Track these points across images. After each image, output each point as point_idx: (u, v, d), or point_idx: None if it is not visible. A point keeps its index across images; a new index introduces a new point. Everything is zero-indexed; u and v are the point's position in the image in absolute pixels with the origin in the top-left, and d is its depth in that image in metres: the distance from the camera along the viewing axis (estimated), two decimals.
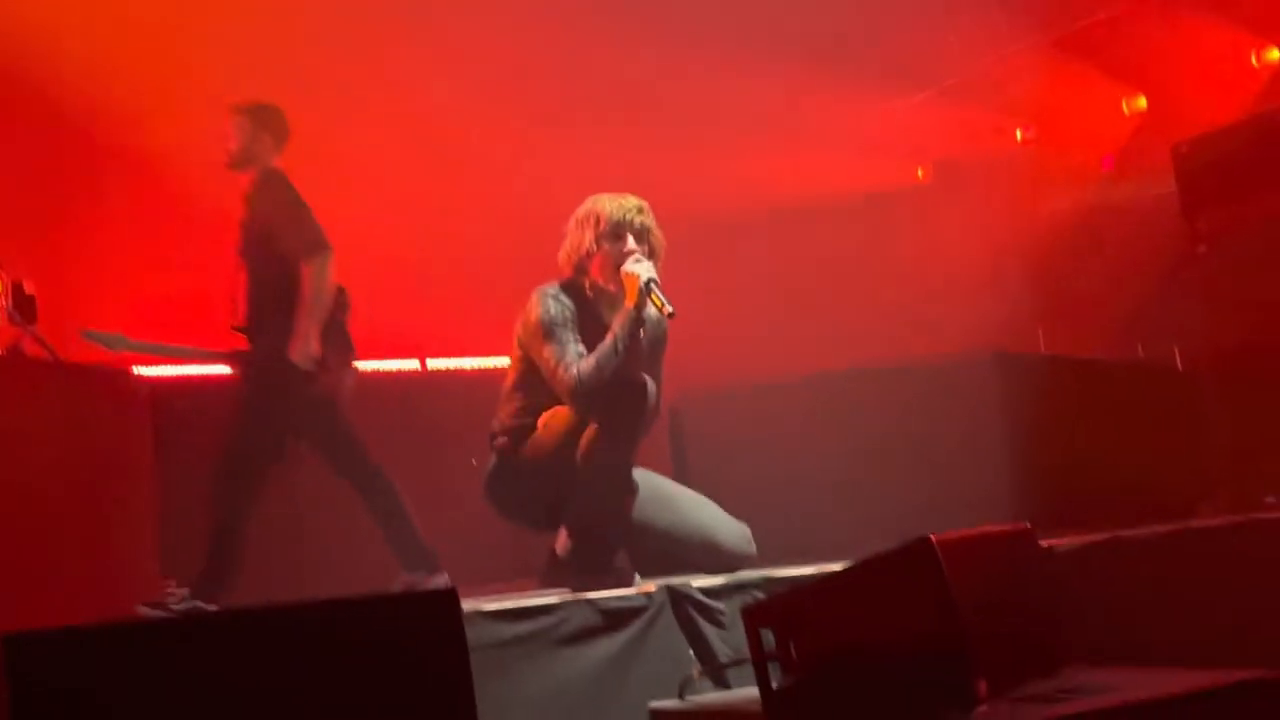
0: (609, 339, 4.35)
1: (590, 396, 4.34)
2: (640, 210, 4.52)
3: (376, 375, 7.08)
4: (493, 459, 4.64)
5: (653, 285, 4.32)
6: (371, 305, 7.28)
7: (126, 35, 6.57)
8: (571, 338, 4.42)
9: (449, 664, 2.47)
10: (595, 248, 4.48)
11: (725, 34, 7.46)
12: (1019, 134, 8.72)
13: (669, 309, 4.26)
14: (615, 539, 4.50)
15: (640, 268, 4.36)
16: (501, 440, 4.62)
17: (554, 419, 4.47)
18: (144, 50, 6.60)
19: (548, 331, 4.45)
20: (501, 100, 7.36)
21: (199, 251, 6.80)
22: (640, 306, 4.34)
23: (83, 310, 6.44)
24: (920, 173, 9.21)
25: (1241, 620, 4.17)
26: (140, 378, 6.28)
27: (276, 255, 5.19)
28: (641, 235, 4.50)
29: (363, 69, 7.04)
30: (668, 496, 4.68)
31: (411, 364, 7.38)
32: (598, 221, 4.48)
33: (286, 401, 5.14)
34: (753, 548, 4.60)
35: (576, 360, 4.37)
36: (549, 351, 4.43)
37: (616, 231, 4.46)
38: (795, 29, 7.47)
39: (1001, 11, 7.84)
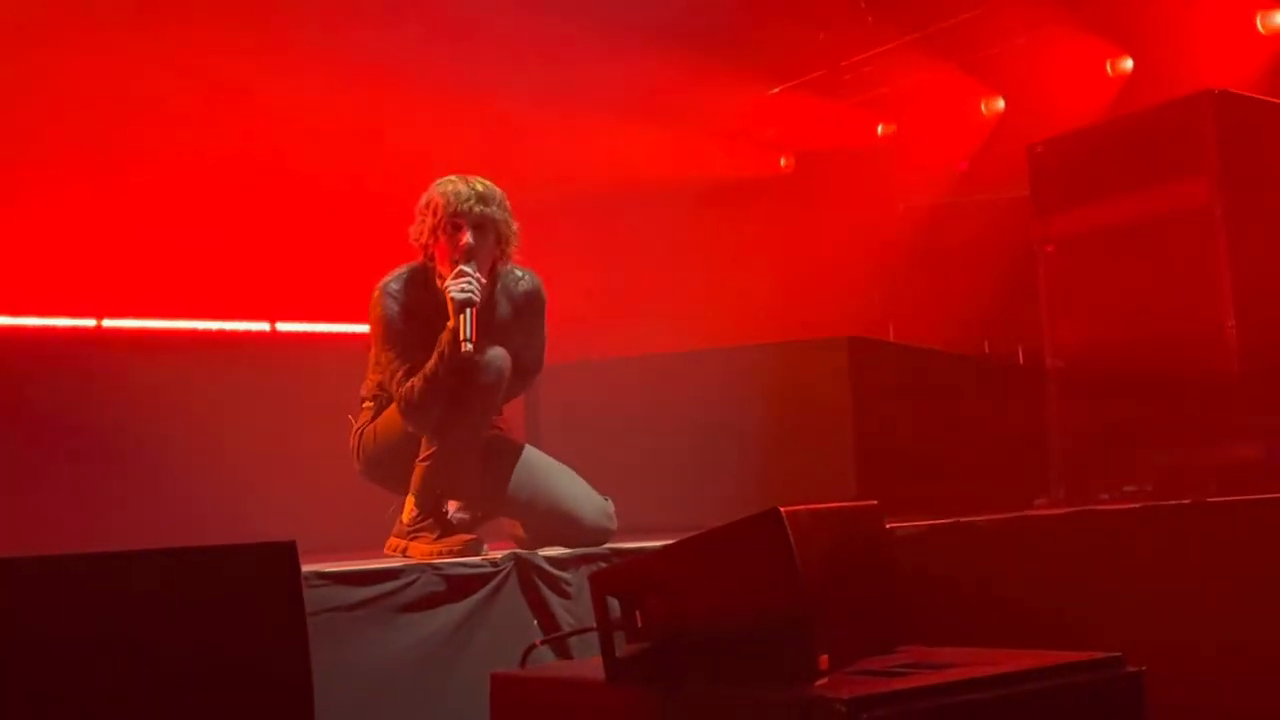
0: (431, 362, 4.26)
1: (420, 413, 4.31)
2: (480, 199, 4.34)
3: (226, 335, 6.97)
4: (360, 420, 4.58)
5: (465, 312, 4.20)
6: (224, 267, 7.22)
7: None
8: (408, 341, 4.35)
9: (284, 618, 2.42)
10: (433, 238, 4.38)
11: (598, 13, 7.43)
12: (880, 129, 8.86)
13: (468, 345, 4.16)
14: (473, 507, 4.50)
15: (457, 291, 4.24)
16: (367, 405, 4.59)
17: None
18: None
19: (384, 336, 4.40)
20: (368, 72, 7.24)
21: (56, 198, 6.61)
22: (468, 336, 4.20)
23: None
24: (783, 161, 9.31)
25: (1071, 606, 4.28)
26: None
27: None
28: (482, 226, 4.34)
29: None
30: (533, 468, 4.63)
31: (262, 326, 7.27)
32: (435, 210, 4.36)
33: None
34: (614, 523, 4.57)
35: (413, 372, 4.31)
36: (384, 358, 4.40)
37: (454, 222, 4.33)
38: (667, 14, 7.48)
39: (870, 9, 7.94)
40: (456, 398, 4.26)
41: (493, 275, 4.46)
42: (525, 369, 4.65)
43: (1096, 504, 5.30)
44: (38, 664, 2.23)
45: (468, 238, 4.31)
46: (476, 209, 4.32)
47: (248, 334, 7.18)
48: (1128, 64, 7.84)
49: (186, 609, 2.37)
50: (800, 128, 8.92)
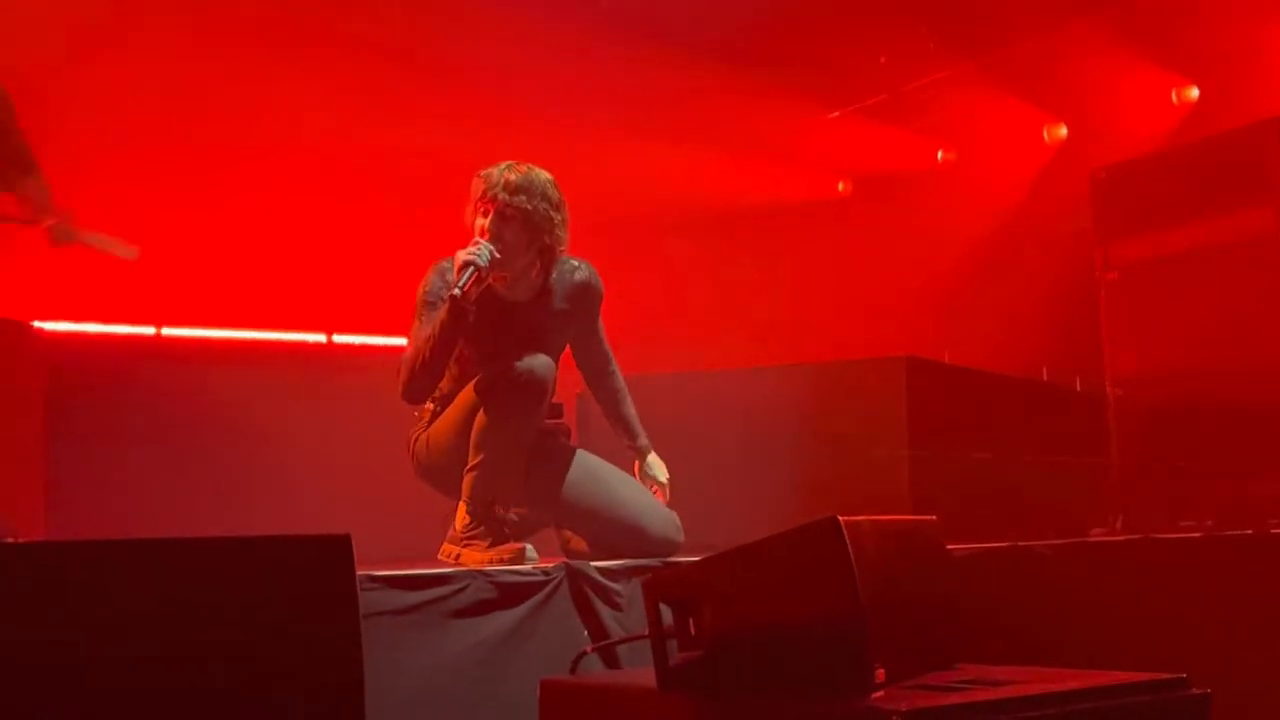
0: (429, 325, 4.25)
1: (410, 381, 4.32)
2: (510, 187, 4.30)
3: (283, 346, 7.02)
4: (417, 425, 4.58)
5: (468, 269, 4.16)
6: (281, 278, 7.28)
7: None
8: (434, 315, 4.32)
9: (338, 610, 2.40)
10: (471, 223, 4.40)
11: (658, 37, 7.45)
12: (940, 154, 8.82)
13: (456, 290, 4.12)
14: (531, 517, 4.52)
15: (464, 252, 4.21)
16: (427, 407, 4.58)
17: (463, 397, 4.40)
18: None
19: (420, 305, 4.40)
20: (426, 90, 7.28)
21: (117, 209, 6.68)
22: (463, 291, 4.15)
23: None
24: (841, 186, 9.28)
25: (1130, 634, 4.21)
26: (39, 331, 6.15)
27: None
28: (506, 214, 4.30)
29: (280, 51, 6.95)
30: (599, 478, 4.60)
31: (318, 337, 7.31)
32: (472, 193, 4.38)
33: None
34: (680, 535, 4.53)
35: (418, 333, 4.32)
36: (413, 326, 4.40)
37: (483, 206, 4.34)
38: (728, 38, 7.49)
39: (931, 34, 7.91)
40: (498, 408, 4.25)
41: (546, 267, 4.45)
42: (597, 366, 4.70)
43: (1155, 533, 5.23)
44: (92, 647, 2.23)
45: (485, 222, 4.30)
46: (502, 196, 4.29)
47: (304, 344, 7.22)
48: (1193, 93, 7.76)
49: (240, 598, 2.36)
50: (860, 152, 8.89)
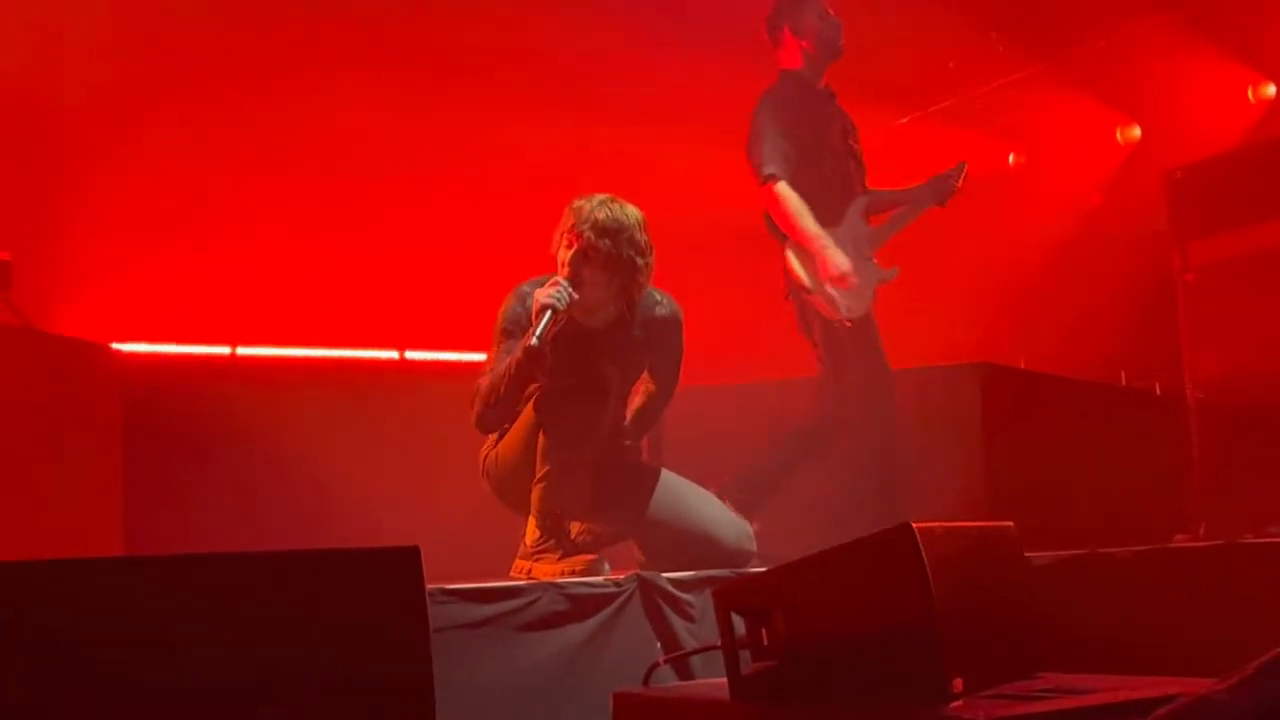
0: (505, 362, 4.26)
1: (484, 413, 4.34)
2: (600, 229, 4.26)
3: (356, 364, 7.06)
4: (488, 441, 4.58)
5: (546, 314, 4.14)
6: (353, 295, 7.32)
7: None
8: (513, 342, 4.31)
9: (408, 622, 2.40)
10: (555, 250, 4.38)
11: (724, 47, 7.42)
12: (1011, 158, 8.72)
13: (534, 339, 4.10)
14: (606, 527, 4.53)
15: (543, 294, 4.19)
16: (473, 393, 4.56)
17: (528, 412, 4.39)
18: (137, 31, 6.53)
19: (498, 328, 4.41)
20: (499, 105, 7.30)
21: (192, 230, 6.76)
22: (539, 333, 4.13)
23: (62, 280, 6.39)
24: None
25: (1214, 642, 4.12)
26: (115, 352, 6.22)
27: None
28: (591, 256, 4.27)
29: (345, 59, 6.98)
30: (671, 490, 4.59)
31: (391, 354, 7.34)
32: (562, 224, 4.35)
33: None
34: (753, 545, 4.52)
35: (496, 366, 4.32)
36: (490, 354, 4.40)
37: (568, 241, 4.31)
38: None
39: (1000, 38, 7.83)
40: (563, 420, 4.23)
41: (627, 301, 4.42)
42: (657, 392, 4.64)
43: (1238, 539, 5.12)
44: (165, 660, 2.24)
45: (567, 255, 4.29)
46: (589, 235, 4.27)
47: (377, 361, 7.25)
48: (1270, 89, 7.61)
49: (312, 611, 2.36)
50: (930, 158, 8.79)
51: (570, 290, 4.21)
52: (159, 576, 2.31)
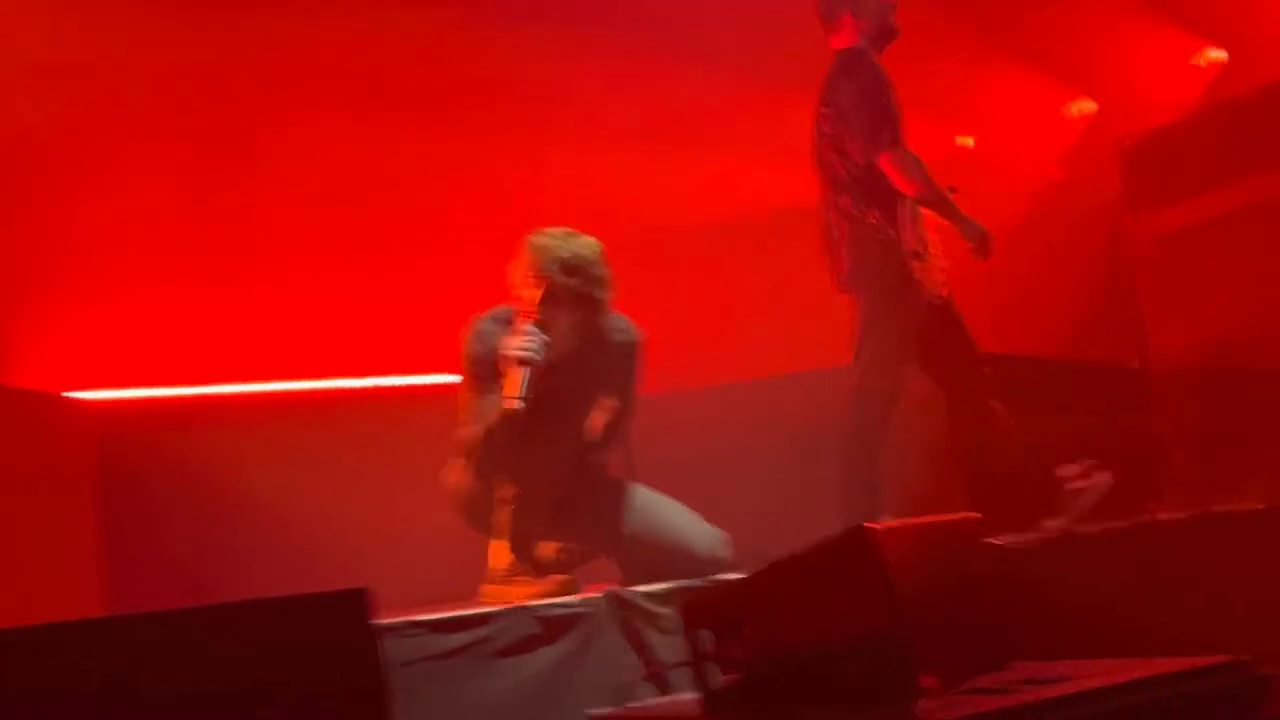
0: (486, 422, 4.23)
1: (473, 461, 4.31)
2: (565, 268, 4.24)
3: (327, 393, 7.01)
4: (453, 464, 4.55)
5: (524, 371, 4.11)
6: (315, 325, 7.26)
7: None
8: (488, 385, 4.27)
9: (360, 664, 2.37)
10: (516, 283, 4.33)
11: (682, 47, 7.39)
12: (957, 140, 8.69)
13: (517, 402, 4.08)
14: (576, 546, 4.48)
15: (514, 349, 4.15)
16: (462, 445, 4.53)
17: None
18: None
19: (468, 372, 4.36)
20: (455, 117, 7.26)
21: (158, 273, 6.69)
22: (523, 394, 4.10)
23: (12, 330, 6.31)
24: None
25: (1191, 613, 4.11)
26: (80, 402, 6.17)
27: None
28: (557, 295, 4.25)
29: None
30: (642, 504, 4.57)
31: (358, 382, 7.29)
32: (522, 261, 4.31)
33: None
34: (728, 552, 4.48)
35: (480, 417, 4.27)
36: (463, 397, 4.37)
37: (533, 281, 4.27)
38: (730, 35, 7.41)
39: (942, 20, 7.80)
40: (525, 443, 4.20)
41: (595, 332, 4.40)
42: (620, 408, 4.62)
43: (1213, 508, 5.11)
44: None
45: (535, 296, 4.24)
46: (558, 278, 4.24)
47: (343, 391, 7.20)
48: (1219, 54, 7.60)
49: (261, 661, 2.33)
50: None
51: (542, 337, 4.19)
52: (105, 638, 2.28)
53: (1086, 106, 8.25)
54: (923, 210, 5.14)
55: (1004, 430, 5.07)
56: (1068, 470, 4.98)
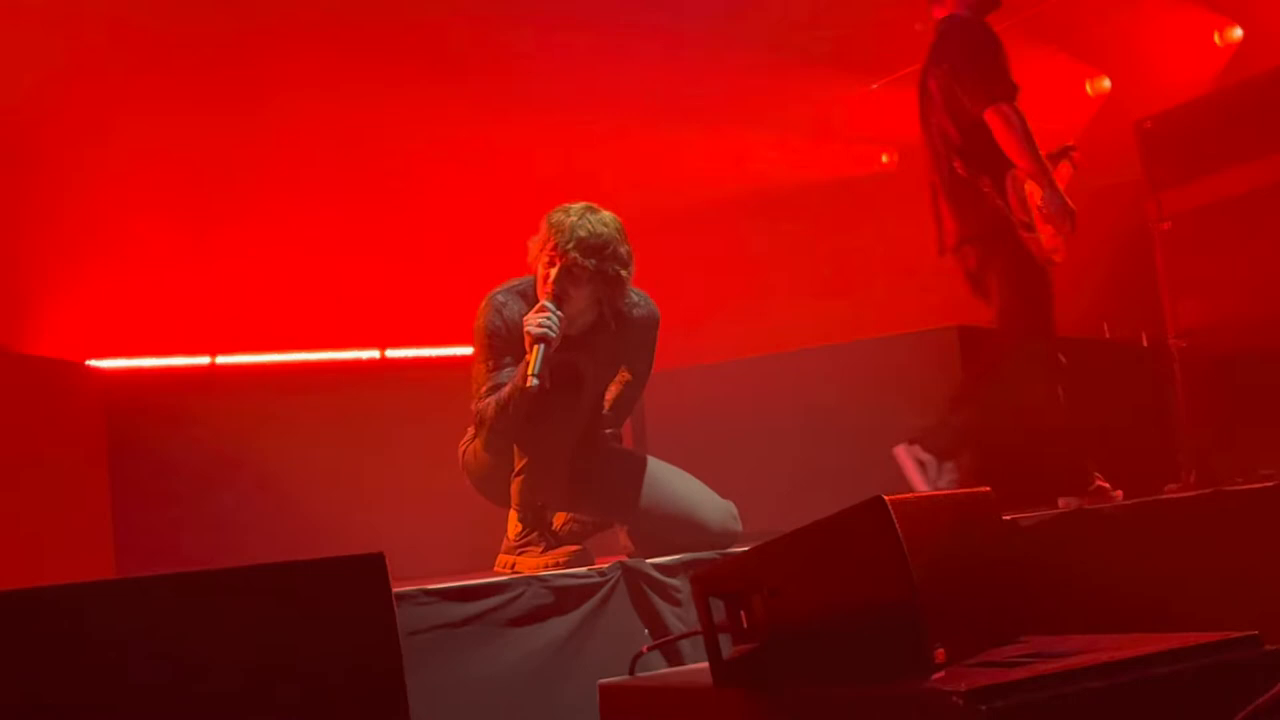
0: (505, 390, 4.20)
1: (491, 434, 4.29)
2: (584, 247, 4.19)
3: (336, 365, 7.02)
4: (466, 437, 4.55)
5: (537, 348, 4.08)
6: (329, 297, 7.27)
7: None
8: (503, 358, 4.27)
9: (375, 629, 2.38)
10: (534, 259, 4.32)
11: (689, 21, 7.37)
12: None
13: (533, 380, 4.04)
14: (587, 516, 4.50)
15: (533, 326, 4.12)
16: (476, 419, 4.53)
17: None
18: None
19: (482, 345, 4.34)
20: (471, 93, 7.25)
21: (161, 241, 6.71)
22: (536, 371, 4.07)
23: (31, 299, 6.33)
24: (885, 158, 9.16)
25: (1204, 590, 4.11)
26: (94, 369, 6.19)
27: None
28: (575, 274, 4.21)
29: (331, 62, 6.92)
30: (654, 476, 4.55)
31: (371, 354, 7.30)
32: (542, 238, 4.28)
33: None
34: (739, 525, 4.49)
35: (495, 390, 4.25)
36: (477, 369, 4.35)
37: (552, 258, 4.24)
38: (755, 15, 7.39)
39: None
40: (538, 414, 4.19)
41: (613, 309, 4.38)
42: (632, 381, 4.61)
43: (1228, 486, 5.10)
44: (134, 682, 2.23)
45: (553, 273, 4.22)
46: (574, 254, 4.20)
47: (358, 362, 7.21)
48: (1237, 33, 7.56)
49: (280, 624, 2.34)
50: (902, 123, 8.75)
51: (558, 314, 4.16)
52: (119, 599, 2.29)
53: (1103, 85, 8.22)
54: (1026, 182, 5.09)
55: (1058, 421, 5.05)
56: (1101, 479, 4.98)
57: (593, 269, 4.22)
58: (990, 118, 4.99)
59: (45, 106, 6.21)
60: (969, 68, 5.09)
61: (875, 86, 8.54)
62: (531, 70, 7.31)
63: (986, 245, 5.10)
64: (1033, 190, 5.04)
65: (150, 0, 6.10)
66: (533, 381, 4.05)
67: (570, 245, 4.20)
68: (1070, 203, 5.02)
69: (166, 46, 6.38)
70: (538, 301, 4.24)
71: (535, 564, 4.14)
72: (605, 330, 4.40)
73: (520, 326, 4.21)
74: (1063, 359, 5.08)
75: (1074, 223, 5.03)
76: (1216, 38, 7.60)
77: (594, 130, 7.46)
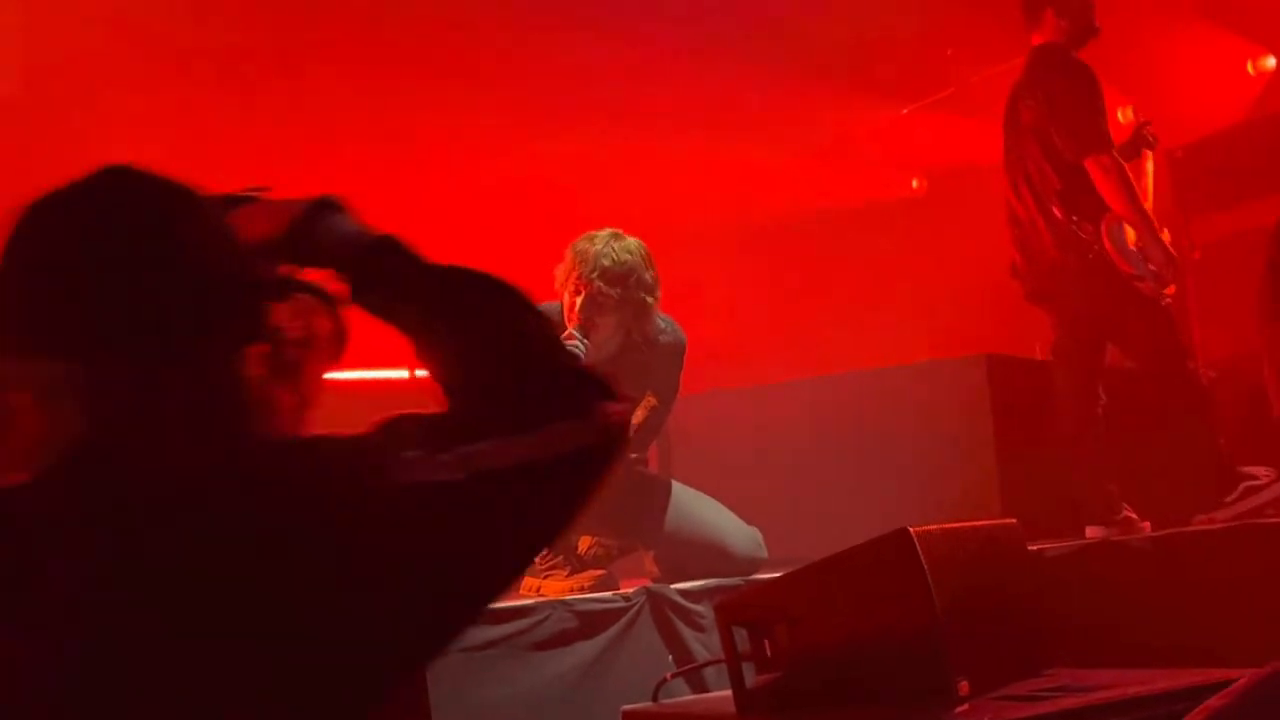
0: None
1: None
2: (607, 276, 4.20)
3: (364, 384, 7.02)
4: None
5: None
6: (362, 315, 7.28)
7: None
8: None
9: None
10: (560, 287, 4.33)
11: (719, 42, 7.39)
12: None
13: None
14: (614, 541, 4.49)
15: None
16: None
17: None
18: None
19: None
20: (497, 107, 7.26)
21: None
22: None
23: None
24: (915, 184, 9.15)
25: (1234, 624, 4.08)
26: None
27: None
28: (600, 303, 4.22)
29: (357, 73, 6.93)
30: (680, 502, 4.55)
31: (400, 374, 7.32)
32: (566, 266, 4.30)
33: None
34: (764, 552, 4.47)
35: None
36: None
37: (576, 286, 4.26)
38: (789, 40, 7.41)
39: (996, 25, 7.76)
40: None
41: (642, 334, 4.40)
42: (657, 406, 4.62)
43: (1259, 518, 5.07)
44: None
45: (578, 301, 4.23)
46: (598, 284, 4.22)
47: (387, 381, 7.22)
48: (1270, 62, 7.53)
49: None
50: (932, 148, 8.75)
51: (585, 342, 4.18)
52: None
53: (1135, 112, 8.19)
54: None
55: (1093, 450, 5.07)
56: (1257, 470, 5.00)
57: (618, 297, 4.24)
58: (1091, 167, 5.02)
59: (49, 108, 6.23)
60: (1069, 114, 5.12)
61: (906, 111, 8.54)
62: (561, 88, 7.33)
63: (1089, 286, 5.10)
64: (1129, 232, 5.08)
65: (170, 4, 6.13)
66: None
67: (594, 274, 4.22)
68: (1172, 249, 5.06)
69: (183, 52, 6.41)
70: (565, 328, 4.25)
71: (560, 588, 4.15)
72: (631, 355, 4.41)
73: None
74: (1103, 396, 5.10)
75: (1176, 269, 5.10)
76: (1250, 67, 7.58)
77: (621, 149, 7.47)
